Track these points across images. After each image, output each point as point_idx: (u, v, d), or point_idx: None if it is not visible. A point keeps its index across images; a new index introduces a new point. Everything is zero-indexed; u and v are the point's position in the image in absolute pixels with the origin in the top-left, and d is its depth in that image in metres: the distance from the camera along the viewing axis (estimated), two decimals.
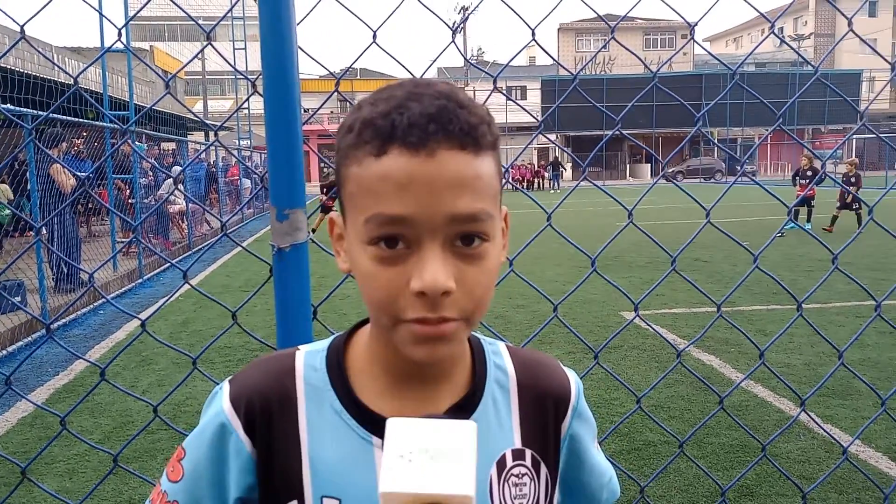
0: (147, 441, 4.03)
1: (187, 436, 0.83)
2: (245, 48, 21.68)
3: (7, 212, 10.08)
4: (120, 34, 1.38)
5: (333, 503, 0.75)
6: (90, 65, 1.41)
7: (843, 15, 1.88)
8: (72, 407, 1.70)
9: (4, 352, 5.95)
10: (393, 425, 0.64)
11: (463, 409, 0.79)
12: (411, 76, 1.51)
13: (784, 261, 9.99)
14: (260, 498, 0.79)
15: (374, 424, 0.75)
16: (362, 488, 0.74)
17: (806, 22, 56.81)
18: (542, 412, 0.85)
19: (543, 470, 0.84)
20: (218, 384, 0.83)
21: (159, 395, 4.78)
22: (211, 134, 1.65)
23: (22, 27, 1.36)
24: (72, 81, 1.47)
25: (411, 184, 0.66)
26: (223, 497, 0.80)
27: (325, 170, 18.34)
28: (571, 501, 0.94)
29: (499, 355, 0.86)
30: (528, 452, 0.83)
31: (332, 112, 47.57)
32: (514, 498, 0.80)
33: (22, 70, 9.46)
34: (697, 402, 4.46)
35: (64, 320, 7.13)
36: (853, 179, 13.77)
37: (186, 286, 1.72)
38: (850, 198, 13.42)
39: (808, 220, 13.67)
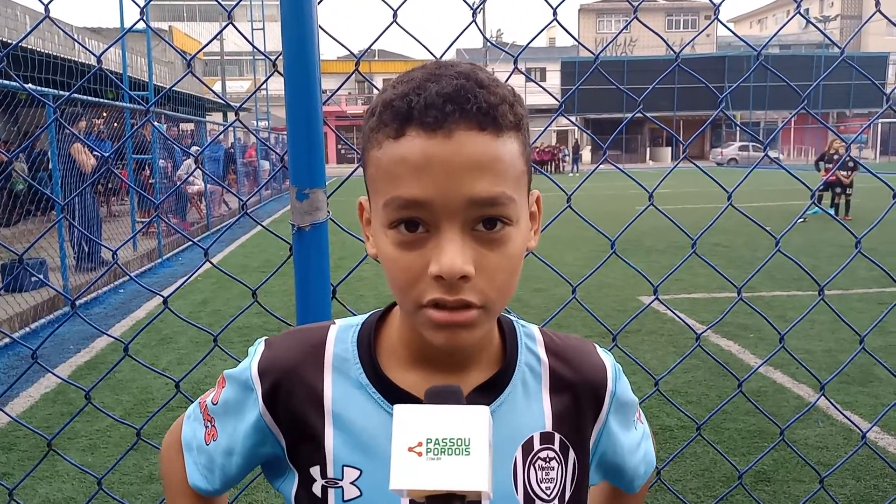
0: (167, 418, 4.09)
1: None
2: (263, 28, 21.65)
3: (21, 186, 10.08)
4: (142, 13, 1.38)
5: (354, 472, 0.76)
6: (113, 43, 1.42)
7: None
8: (96, 381, 1.73)
9: (27, 329, 6.05)
10: (401, 413, 0.61)
11: (489, 389, 0.78)
12: (432, 56, 1.50)
13: (806, 246, 9.88)
14: (290, 459, 0.81)
15: (398, 399, 0.75)
16: (383, 460, 0.74)
17: (832, 3, 55.74)
18: (577, 398, 0.84)
19: (572, 455, 0.82)
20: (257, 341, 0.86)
21: (179, 373, 4.84)
22: (231, 114, 1.66)
23: (46, 6, 1.37)
24: (93, 61, 1.48)
25: (428, 166, 0.65)
26: (233, 438, 0.83)
27: None
28: (615, 480, 0.94)
29: (532, 339, 0.85)
30: (557, 436, 0.81)
31: (349, 93, 47.53)
32: (541, 482, 0.79)
33: (42, 50, 9.52)
34: (715, 388, 4.45)
35: (86, 298, 7.23)
36: (851, 164, 12.77)
37: (206, 266, 1.74)
38: (850, 181, 13.11)
39: (832, 205, 13.49)
